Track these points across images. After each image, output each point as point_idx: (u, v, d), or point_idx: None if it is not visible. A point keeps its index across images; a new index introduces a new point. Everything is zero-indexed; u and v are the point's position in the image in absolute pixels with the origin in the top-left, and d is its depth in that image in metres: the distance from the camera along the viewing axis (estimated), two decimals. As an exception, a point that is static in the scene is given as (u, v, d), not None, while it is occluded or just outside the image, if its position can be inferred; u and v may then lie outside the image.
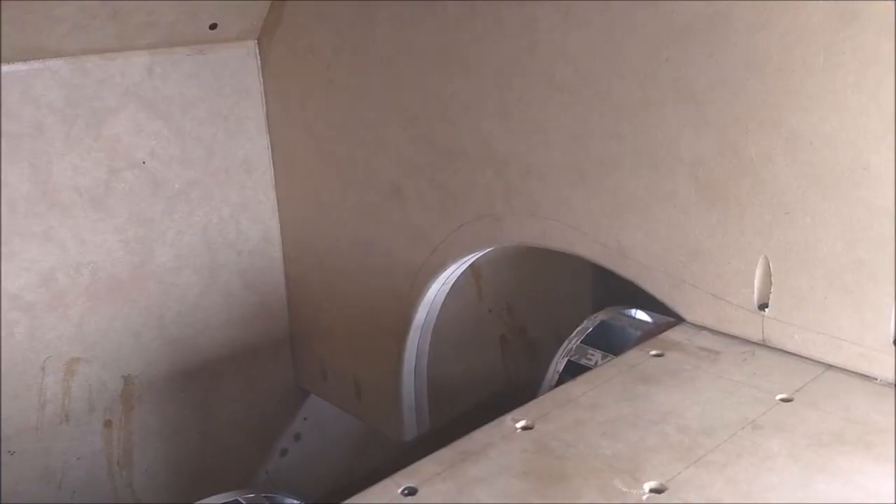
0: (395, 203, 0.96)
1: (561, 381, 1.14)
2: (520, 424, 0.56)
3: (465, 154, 0.86)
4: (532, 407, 0.59)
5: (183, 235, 1.08)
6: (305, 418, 1.26)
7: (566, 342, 1.17)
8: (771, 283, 0.63)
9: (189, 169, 1.07)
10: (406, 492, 0.50)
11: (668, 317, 1.19)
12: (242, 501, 0.82)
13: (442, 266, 0.93)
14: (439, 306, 1.01)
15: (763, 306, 0.64)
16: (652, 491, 0.48)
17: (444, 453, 0.54)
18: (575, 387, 0.61)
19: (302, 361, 1.22)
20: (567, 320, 1.62)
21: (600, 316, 1.20)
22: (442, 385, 1.19)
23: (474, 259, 0.93)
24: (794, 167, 0.59)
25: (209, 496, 0.85)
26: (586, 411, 0.57)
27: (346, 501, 0.51)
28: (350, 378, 1.13)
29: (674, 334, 0.69)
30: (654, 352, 0.66)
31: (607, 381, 0.61)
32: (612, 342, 1.16)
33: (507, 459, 0.52)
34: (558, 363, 1.15)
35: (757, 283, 0.64)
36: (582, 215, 0.75)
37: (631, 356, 0.66)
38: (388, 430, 1.09)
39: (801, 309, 0.61)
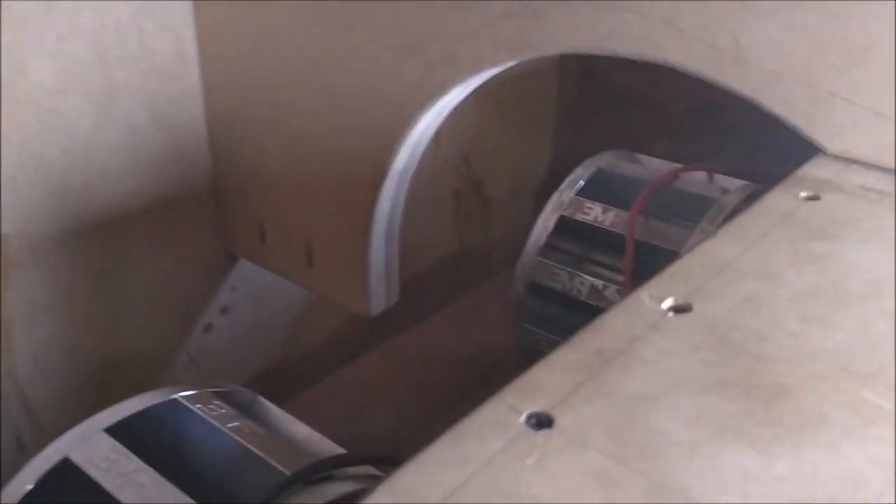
0: (373, -1, 0.70)
1: (552, 241, 0.94)
2: (667, 304, 0.36)
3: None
4: (671, 277, 0.38)
5: (66, 43, 0.78)
6: (234, 288, 1.03)
7: (556, 194, 0.97)
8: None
9: (70, -50, 0.76)
10: (534, 421, 0.29)
11: (674, 163, 1.00)
12: (182, 401, 0.59)
13: (441, 89, 0.69)
14: (424, 148, 0.78)
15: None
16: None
17: (569, 354, 0.33)
18: (720, 246, 0.41)
19: (231, 219, 0.96)
20: (526, 174, 1.42)
21: (596, 162, 0.99)
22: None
23: (485, 81, 0.69)
24: None
25: (131, 395, 0.62)
26: (759, 282, 0.37)
27: (443, 437, 0.30)
28: (300, 240, 0.89)
29: (814, 170, 0.49)
30: (804, 193, 0.46)
31: (763, 235, 0.41)
32: (611, 193, 0.97)
33: (675, 362, 0.32)
34: (547, 220, 0.95)
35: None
36: (679, 2, 0.52)
37: (775, 201, 0.45)
38: (349, 303, 0.87)
39: None
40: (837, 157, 0.49)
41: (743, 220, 0.43)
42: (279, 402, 1.10)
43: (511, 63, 0.65)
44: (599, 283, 0.88)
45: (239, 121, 0.90)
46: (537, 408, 0.30)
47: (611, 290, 0.87)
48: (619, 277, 0.89)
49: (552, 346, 0.89)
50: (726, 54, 0.52)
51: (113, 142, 0.85)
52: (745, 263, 0.39)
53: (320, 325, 1.13)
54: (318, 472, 0.52)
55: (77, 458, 0.51)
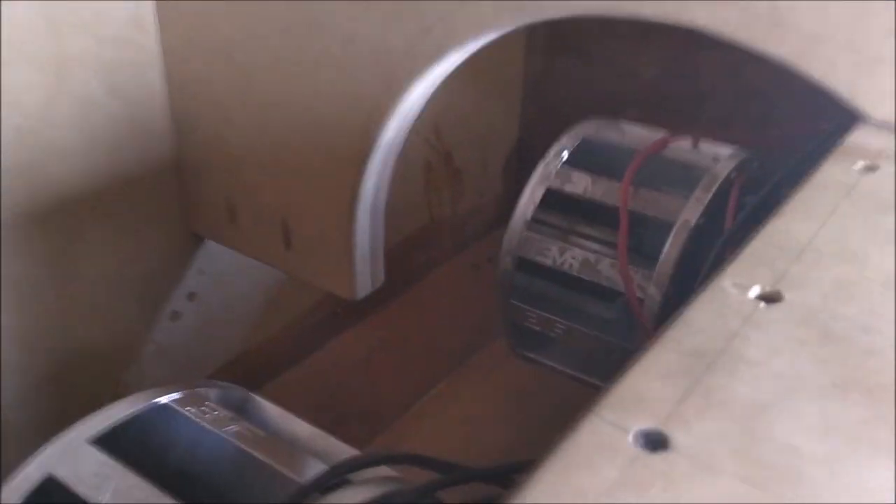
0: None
1: (539, 215, 0.91)
2: (754, 293, 0.33)
3: None
4: (751, 262, 0.35)
5: (12, 9, 0.70)
6: (202, 272, 0.96)
7: (542, 165, 0.93)
8: None
9: None
10: (646, 441, 0.25)
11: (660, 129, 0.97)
12: (172, 405, 0.54)
13: (436, 55, 0.64)
14: (413, 119, 0.73)
15: None
16: None
17: (662, 356, 0.29)
18: (791, 224, 0.37)
19: (197, 198, 0.90)
20: (494, 145, 1.38)
21: (580, 131, 0.96)
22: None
23: (483, 46, 0.64)
24: None
25: (97, 392, 0.56)
26: (844, 264, 0.34)
27: (546, 466, 0.26)
28: (275, 220, 0.83)
29: (863, 139, 0.46)
30: (860, 164, 0.43)
31: (832, 211, 0.38)
32: (599, 163, 0.93)
33: (783, 362, 0.29)
34: (534, 192, 0.91)
35: None
36: (713, -40, 0.49)
37: (832, 173, 0.42)
38: (332, 286, 0.82)
39: None
40: (883, 125, 0.46)
41: (805, 194, 0.40)
42: (254, 389, 1.05)
43: (513, 26, 0.60)
44: (592, 256, 0.85)
45: (203, 90, 0.83)
46: (645, 424, 0.26)
47: (604, 264, 0.84)
48: (613, 250, 0.86)
49: (542, 323, 0.85)
50: (762, 17, 0.48)
51: (66, 116, 0.78)
52: (824, 244, 0.36)
53: (293, 306, 1.07)
54: (333, 478, 0.47)
55: (63, 474, 0.46)
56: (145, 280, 0.91)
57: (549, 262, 0.87)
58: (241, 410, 0.59)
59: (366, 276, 0.80)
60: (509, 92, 1.32)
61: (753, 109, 1.19)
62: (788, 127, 0.96)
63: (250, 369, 1.04)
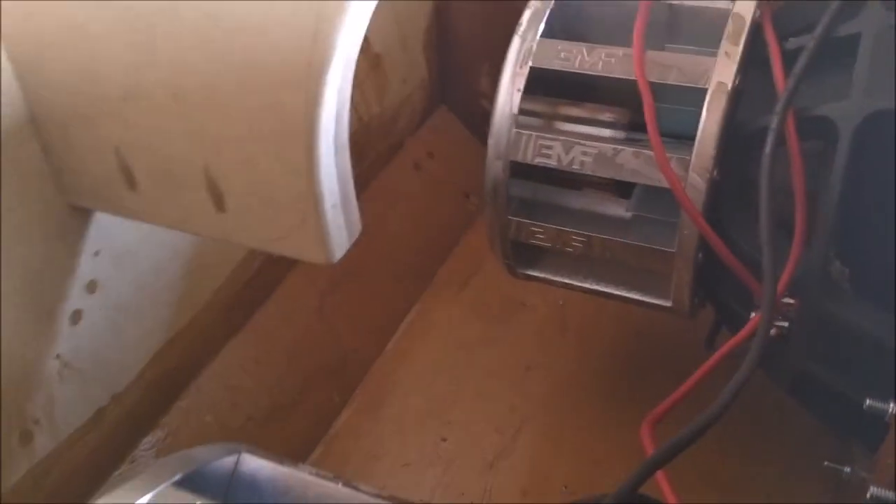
0: None
1: (527, 105, 0.71)
2: None
3: None
4: None
5: None
6: (97, 254, 0.73)
7: (517, 40, 0.73)
8: None
9: None
10: None
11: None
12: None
13: None
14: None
15: None
16: None
17: None
18: None
19: (73, 162, 0.65)
20: (410, 23, 1.14)
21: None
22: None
23: None
24: None
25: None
26: None
27: None
28: (196, 175, 0.60)
29: None
30: None
31: None
32: (583, 29, 0.75)
33: None
34: (515, 77, 0.72)
35: None
36: None
37: None
38: (295, 250, 0.61)
39: None
40: None
41: None
42: (195, 373, 0.84)
43: None
44: (608, 147, 0.68)
45: (48, 11, 0.57)
46: None
47: (625, 155, 0.67)
48: (635, 135, 0.70)
49: (553, 237, 0.67)
50: None
51: None
52: None
53: (223, 263, 0.86)
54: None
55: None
56: (27, 279, 0.67)
57: (553, 162, 0.69)
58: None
59: (340, 228, 0.60)
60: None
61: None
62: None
63: (186, 352, 0.83)
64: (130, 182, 0.64)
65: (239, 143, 0.58)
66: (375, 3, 0.53)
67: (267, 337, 0.89)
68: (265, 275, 0.89)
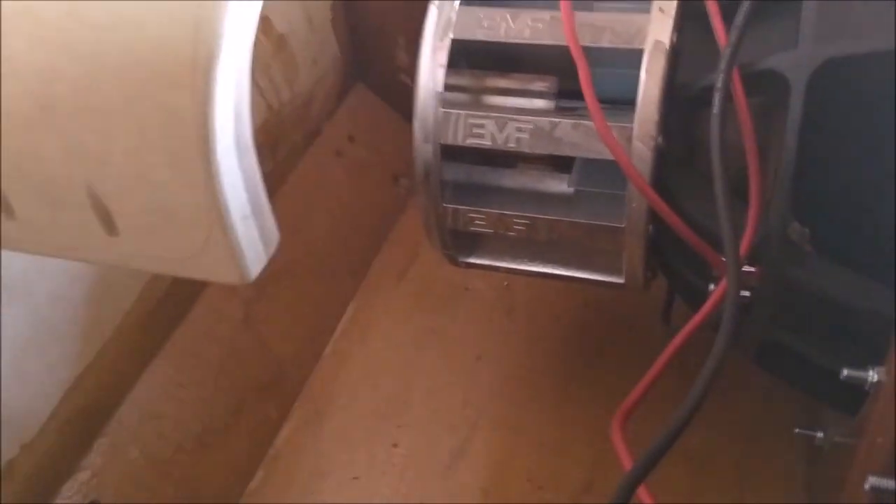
0: None
1: (452, 79, 0.65)
2: None
3: None
4: None
5: None
6: (-19, 290, 0.64)
7: (434, 9, 0.65)
8: None
9: None
10: None
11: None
12: None
13: None
14: None
15: None
16: None
17: None
18: None
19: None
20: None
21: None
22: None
23: None
24: None
25: None
26: None
27: None
28: (78, 196, 0.52)
29: None
30: None
31: None
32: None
33: None
34: (436, 52, 0.66)
35: None
36: None
37: None
38: (205, 272, 0.54)
39: None
40: None
41: None
42: (107, 415, 0.76)
43: None
44: (545, 121, 0.62)
45: None
46: None
47: (563, 127, 0.61)
48: (569, 103, 0.64)
49: (494, 223, 0.62)
50: None
51: None
52: None
53: (131, 283, 0.77)
54: None
55: None
56: None
57: (486, 142, 0.63)
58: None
59: (253, 241, 0.53)
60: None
61: None
62: None
63: (100, 386, 0.75)
64: (7, 210, 0.55)
65: (124, 156, 0.50)
66: (266, -20, 0.46)
67: (189, 357, 0.81)
68: (180, 290, 0.81)
